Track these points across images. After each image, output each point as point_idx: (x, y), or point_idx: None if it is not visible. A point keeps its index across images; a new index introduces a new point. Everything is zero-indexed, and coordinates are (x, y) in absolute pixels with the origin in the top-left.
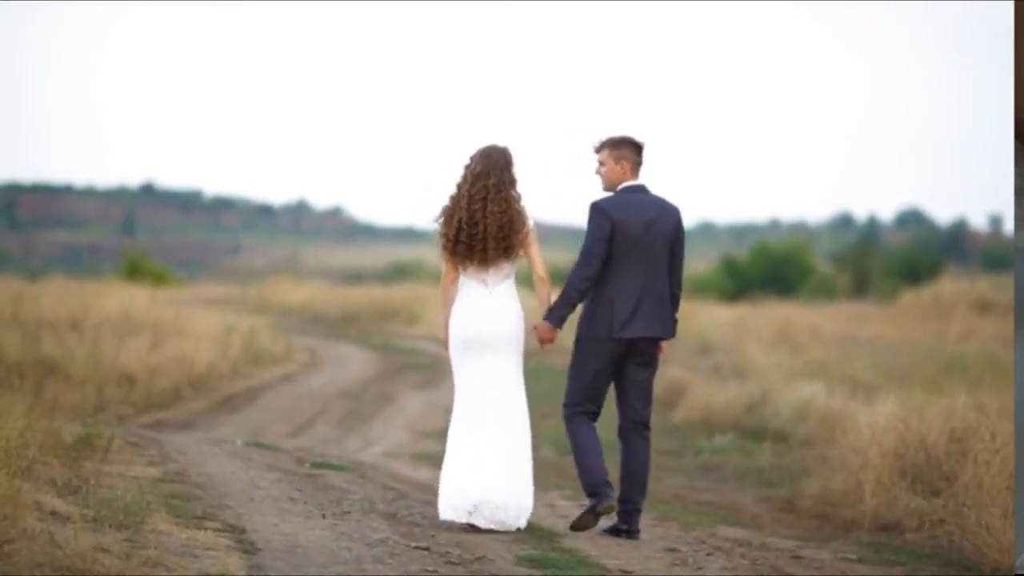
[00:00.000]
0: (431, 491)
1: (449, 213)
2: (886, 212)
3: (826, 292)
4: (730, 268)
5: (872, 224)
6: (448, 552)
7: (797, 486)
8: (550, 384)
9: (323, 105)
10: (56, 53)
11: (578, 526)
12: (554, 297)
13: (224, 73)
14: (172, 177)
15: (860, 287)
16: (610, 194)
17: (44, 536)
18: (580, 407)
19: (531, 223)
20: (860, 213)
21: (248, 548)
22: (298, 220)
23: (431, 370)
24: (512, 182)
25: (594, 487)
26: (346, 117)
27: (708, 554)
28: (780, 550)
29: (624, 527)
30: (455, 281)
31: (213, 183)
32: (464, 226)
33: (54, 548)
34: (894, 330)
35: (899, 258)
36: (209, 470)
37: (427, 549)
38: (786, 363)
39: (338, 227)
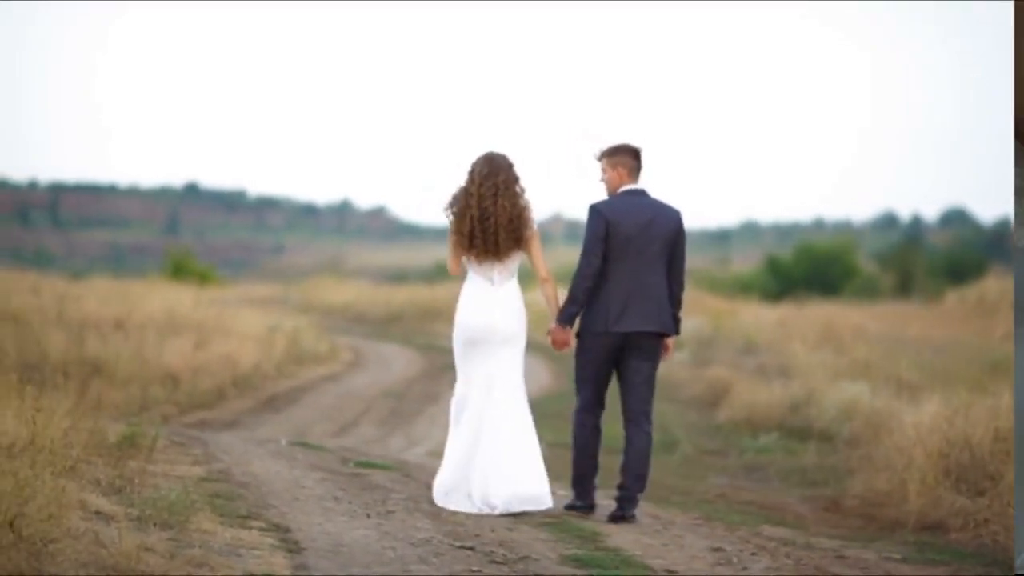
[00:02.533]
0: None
1: (461, 212)
2: (930, 211)
3: (870, 292)
4: (774, 268)
5: (916, 223)
6: (492, 552)
7: (841, 486)
8: None
9: (368, 105)
10: (104, 52)
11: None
12: (561, 296)
13: (269, 73)
14: (216, 177)
15: (904, 287)
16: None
17: (89, 535)
18: (584, 396)
19: (535, 225)
20: (904, 212)
21: (292, 547)
22: (342, 220)
23: None
24: (517, 179)
25: (575, 485)
26: (390, 117)
27: (752, 553)
28: (824, 550)
29: (620, 513)
30: (456, 270)
31: (257, 183)
32: (477, 222)
33: (99, 547)
34: (938, 330)
35: (943, 257)
36: (253, 469)
37: (471, 549)
38: (830, 363)
39: (382, 227)
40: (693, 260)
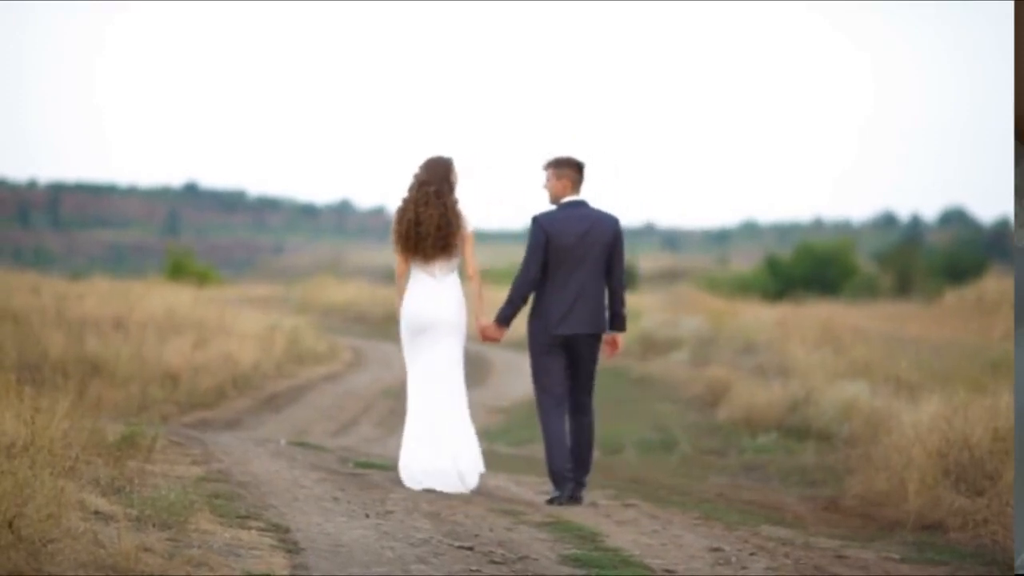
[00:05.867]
0: (475, 490)
1: (400, 214)
2: (930, 211)
3: (869, 291)
4: (774, 268)
5: (915, 223)
6: (491, 552)
7: (841, 485)
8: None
9: (367, 105)
10: (104, 52)
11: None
12: (498, 296)
13: (269, 73)
14: (216, 177)
15: (903, 286)
16: (553, 207)
17: (88, 535)
18: (544, 394)
19: (469, 228)
20: (904, 212)
21: (291, 547)
22: (341, 220)
23: (474, 369)
24: (451, 189)
25: (554, 476)
26: (390, 117)
27: (752, 553)
28: (824, 549)
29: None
30: (405, 274)
31: (257, 183)
32: (412, 225)
33: (98, 547)
34: (938, 329)
35: (943, 257)
36: (253, 469)
37: (470, 549)
38: (829, 362)
39: (381, 226)
40: (694, 260)
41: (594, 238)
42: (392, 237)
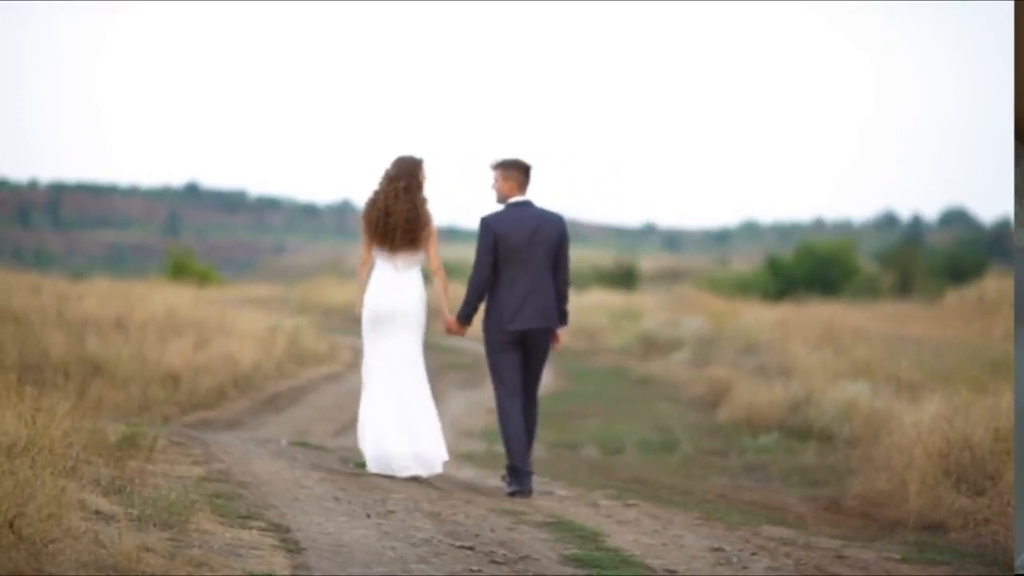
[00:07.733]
0: (476, 490)
1: (371, 204)
2: (930, 211)
3: (870, 292)
4: (774, 268)
5: (916, 223)
6: (492, 551)
7: (842, 486)
8: (594, 385)
9: (367, 105)
10: (104, 52)
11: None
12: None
13: (269, 73)
14: (216, 177)
15: (904, 286)
16: (500, 207)
17: (89, 535)
18: (502, 389)
19: (433, 225)
20: (904, 212)
21: (292, 547)
22: (342, 220)
23: (474, 369)
24: (419, 186)
25: (514, 471)
26: (391, 118)
27: (753, 553)
28: (824, 549)
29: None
30: (368, 263)
31: (257, 183)
32: (382, 216)
33: (99, 547)
34: (939, 329)
35: (943, 257)
36: (254, 469)
37: (471, 548)
38: (830, 363)
39: None
40: (695, 260)
41: (541, 237)
42: (361, 224)
